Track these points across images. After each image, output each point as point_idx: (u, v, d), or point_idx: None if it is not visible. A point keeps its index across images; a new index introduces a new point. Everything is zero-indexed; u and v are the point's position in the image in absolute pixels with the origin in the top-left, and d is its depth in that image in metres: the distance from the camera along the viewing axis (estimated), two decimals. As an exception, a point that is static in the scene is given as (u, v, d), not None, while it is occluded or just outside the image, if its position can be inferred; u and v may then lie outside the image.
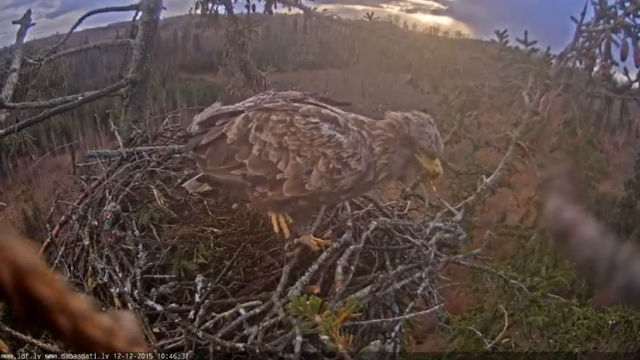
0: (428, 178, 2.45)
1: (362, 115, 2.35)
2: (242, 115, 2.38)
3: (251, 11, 5.67)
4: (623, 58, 4.94)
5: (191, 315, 2.31)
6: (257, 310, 2.25)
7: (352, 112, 2.36)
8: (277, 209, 2.48)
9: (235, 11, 5.56)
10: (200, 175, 2.73)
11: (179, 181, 3.15)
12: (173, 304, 2.41)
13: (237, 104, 3.02)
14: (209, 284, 2.47)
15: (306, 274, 2.39)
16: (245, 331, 2.17)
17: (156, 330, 2.30)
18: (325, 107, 2.30)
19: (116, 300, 2.48)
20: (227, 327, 2.20)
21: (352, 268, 2.47)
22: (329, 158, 2.17)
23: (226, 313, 2.25)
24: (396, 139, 2.20)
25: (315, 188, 2.22)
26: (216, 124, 2.44)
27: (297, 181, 2.22)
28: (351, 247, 2.55)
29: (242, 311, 2.24)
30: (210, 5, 5.48)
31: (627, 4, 4.85)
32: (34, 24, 5.55)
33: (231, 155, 2.33)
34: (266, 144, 2.25)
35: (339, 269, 2.40)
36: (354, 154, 2.18)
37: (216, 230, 2.84)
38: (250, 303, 2.30)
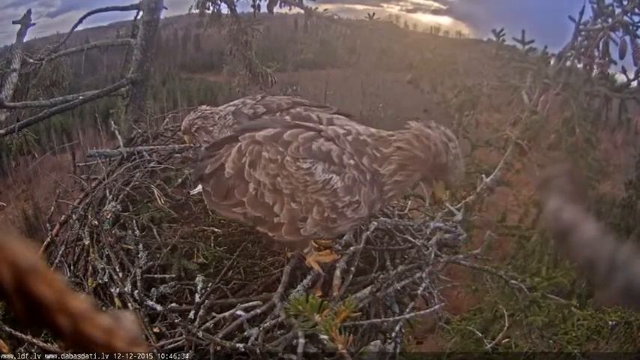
0: (430, 200, 2.39)
1: (362, 121, 2.21)
2: (237, 145, 2.24)
3: (256, 11, 5.67)
4: (622, 56, 4.95)
5: (191, 315, 2.31)
6: (257, 311, 2.24)
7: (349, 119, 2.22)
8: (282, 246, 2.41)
9: (237, 10, 5.57)
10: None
11: (185, 188, 3.16)
12: (173, 304, 2.41)
13: (221, 107, 3.03)
14: (209, 284, 2.47)
15: (308, 277, 2.39)
16: (246, 333, 2.17)
17: (156, 330, 2.30)
18: (317, 135, 2.09)
19: (116, 300, 2.48)
20: (227, 327, 2.20)
21: (352, 269, 2.47)
22: (324, 207, 2.04)
23: (227, 314, 2.25)
24: (427, 161, 2.01)
25: (310, 234, 2.13)
26: (221, 150, 2.33)
27: (293, 226, 2.11)
28: (351, 248, 2.55)
29: (242, 312, 2.24)
30: (210, 5, 5.48)
31: (625, 3, 4.85)
32: (34, 24, 5.55)
33: (231, 190, 2.23)
34: (260, 183, 2.13)
35: (337, 272, 2.38)
36: (350, 203, 2.03)
37: (216, 230, 2.85)
38: (251, 303, 2.29)
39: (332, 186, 2.02)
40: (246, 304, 2.28)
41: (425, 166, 2.03)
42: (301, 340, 1.93)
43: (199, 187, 2.67)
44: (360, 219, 2.12)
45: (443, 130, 2.04)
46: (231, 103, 3.02)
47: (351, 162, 2.04)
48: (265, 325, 2.15)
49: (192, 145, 3.60)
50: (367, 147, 2.06)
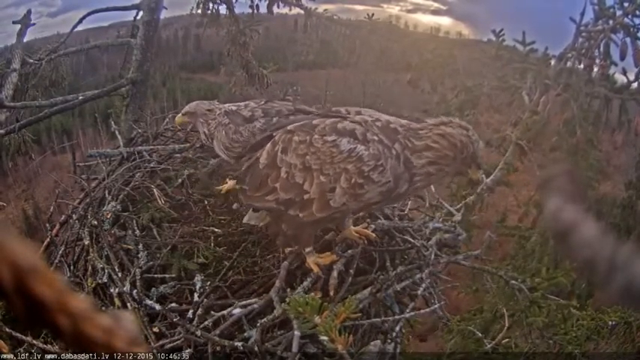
0: (470, 184, 2.45)
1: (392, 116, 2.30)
2: (271, 139, 2.38)
3: (254, 11, 5.67)
4: (622, 58, 4.96)
5: (190, 314, 2.31)
6: (255, 306, 2.25)
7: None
8: (312, 228, 2.46)
9: (236, 11, 5.56)
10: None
11: (185, 188, 3.16)
12: (173, 304, 2.41)
13: (223, 105, 3.07)
14: (208, 283, 2.47)
15: (308, 279, 2.39)
16: (245, 333, 2.17)
17: (155, 330, 2.31)
18: (343, 120, 2.25)
19: (116, 300, 2.48)
20: (225, 324, 2.20)
21: (351, 271, 2.48)
22: (350, 173, 2.13)
23: (225, 312, 2.25)
24: (456, 158, 2.14)
25: (339, 205, 2.18)
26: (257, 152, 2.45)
27: (323, 200, 2.19)
28: (349, 251, 2.56)
29: (240, 309, 2.24)
30: (211, 5, 5.48)
31: (626, 5, 4.86)
32: (34, 24, 5.55)
33: (264, 180, 2.33)
34: (291, 166, 2.24)
35: (334, 273, 2.40)
36: (376, 167, 2.12)
37: (216, 230, 2.85)
38: (249, 301, 2.30)
39: (357, 153, 2.13)
40: (245, 302, 2.29)
41: (455, 161, 2.15)
42: (297, 333, 1.93)
43: (253, 214, 2.70)
44: (386, 185, 2.16)
45: (458, 123, 2.18)
46: (234, 104, 3.03)
47: (375, 138, 2.15)
48: (263, 320, 2.15)
49: (191, 144, 3.61)
50: (398, 135, 2.17)
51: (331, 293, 2.32)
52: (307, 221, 2.28)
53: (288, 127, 2.33)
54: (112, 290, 2.53)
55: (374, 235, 2.67)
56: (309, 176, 2.20)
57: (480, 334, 3.49)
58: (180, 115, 3.11)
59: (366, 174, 2.12)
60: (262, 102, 3.01)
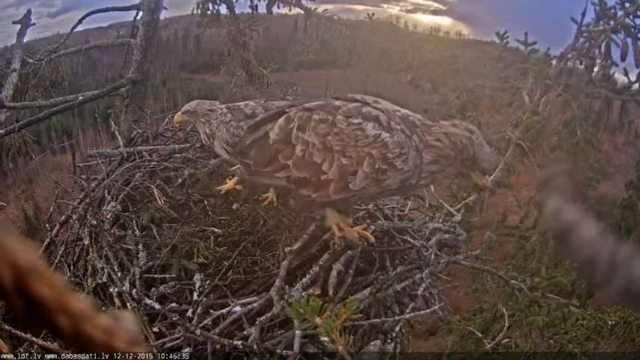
0: (475, 190, 2.46)
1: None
2: (284, 115, 2.34)
3: (254, 11, 5.67)
4: (623, 58, 4.96)
5: (189, 313, 2.31)
6: (255, 305, 2.25)
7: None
8: (321, 208, 2.46)
9: (236, 11, 5.56)
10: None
11: (185, 188, 3.15)
12: (173, 304, 2.41)
13: (223, 105, 3.07)
14: (207, 282, 2.47)
15: (307, 276, 2.39)
16: (245, 332, 2.17)
17: (155, 329, 2.30)
18: (365, 105, 2.24)
19: (116, 299, 2.48)
20: (225, 322, 2.20)
21: (350, 271, 2.47)
22: (375, 158, 2.13)
23: (224, 310, 2.25)
24: (456, 158, 2.15)
25: (359, 188, 2.18)
26: (265, 125, 2.41)
27: (342, 182, 2.18)
28: (349, 252, 2.55)
29: (239, 308, 2.24)
30: (211, 5, 5.48)
31: (627, 5, 4.86)
32: (34, 24, 5.56)
33: (275, 156, 2.29)
34: (309, 144, 2.21)
35: (334, 273, 2.38)
36: (400, 155, 2.13)
37: (216, 230, 2.84)
38: (249, 299, 2.31)
39: (382, 139, 2.13)
40: (244, 300, 2.29)
41: (455, 162, 2.16)
42: (298, 332, 1.93)
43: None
44: (407, 173, 2.17)
45: (465, 126, 2.19)
46: (234, 104, 3.04)
47: (398, 127, 2.17)
48: (262, 318, 2.15)
49: (191, 144, 3.61)
50: (417, 128, 2.19)
51: (330, 292, 2.31)
52: (319, 201, 2.27)
53: (306, 105, 2.29)
54: (111, 290, 2.53)
55: (373, 238, 2.65)
56: (328, 156, 2.18)
57: (479, 334, 3.49)
58: (179, 113, 3.08)
59: (390, 160, 2.13)
60: (262, 101, 3.03)
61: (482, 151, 2.14)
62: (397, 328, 2.48)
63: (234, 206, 3.01)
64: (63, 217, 3.32)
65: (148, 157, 3.47)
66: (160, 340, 2.22)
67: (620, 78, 5.29)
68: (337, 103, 2.27)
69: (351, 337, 1.82)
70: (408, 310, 2.60)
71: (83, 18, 5.40)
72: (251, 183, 2.63)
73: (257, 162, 2.35)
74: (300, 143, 2.23)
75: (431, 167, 2.18)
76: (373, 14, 6.22)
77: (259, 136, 2.37)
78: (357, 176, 2.15)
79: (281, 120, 2.31)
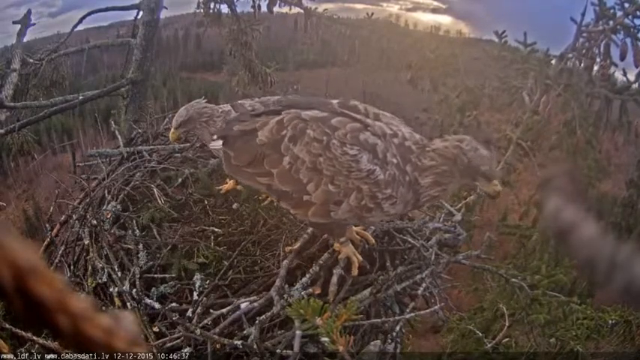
0: (487, 198, 2.40)
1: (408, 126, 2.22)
2: (277, 118, 2.20)
3: (256, 11, 5.68)
4: (623, 58, 4.96)
5: (189, 313, 2.31)
6: (255, 304, 2.25)
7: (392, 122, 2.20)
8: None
9: (238, 10, 5.57)
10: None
11: (186, 188, 3.15)
12: (173, 304, 2.41)
13: (222, 105, 3.01)
14: (207, 282, 2.47)
15: (307, 275, 2.39)
16: (245, 332, 2.17)
17: (155, 329, 2.31)
18: (364, 128, 2.11)
19: (116, 299, 2.48)
20: (225, 322, 2.20)
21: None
22: (363, 194, 2.05)
23: (224, 310, 2.25)
24: (454, 172, 2.05)
25: (339, 218, 2.12)
26: (258, 118, 2.27)
27: (324, 208, 2.10)
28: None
29: (246, 304, 2.24)
30: (212, 5, 5.48)
31: (627, 5, 4.86)
32: (34, 24, 5.56)
33: (260, 159, 2.18)
34: (298, 159, 2.10)
35: (334, 279, 2.35)
36: (390, 197, 2.05)
37: (216, 230, 2.84)
38: (249, 299, 2.30)
39: (376, 176, 2.04)
40: (244, 299, 2.29)
41: (454, 175, 2.07)
42: (298, 332, 1.93)
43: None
44: (393, 216, 2.13)
45: (455, 137, 2.10)
46: (237, 102, 3.03)
47: (394, 160, 2.07)
48: (262, 317, 2.15)
49: (191, 144, 3.60)
50: (412, 155, 2.09)
51: (331, 299, 2.28)
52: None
53: (302, 115, 2.16)
54: (111, 290, 2.53)
55: (373, 240, 2.64)
56: (316, 178, 2.08)
57: (480, 334, 3.49)
58: (172, 130, 2.90)
59: (378, 200, 2.05)
60: (257, 98, 3.01)
61: (477, 155, 2.04)
62: (397, 328, 2.48)
63: (235, 206, 3.01)
64: (63, 217, 3.32)
65: (148, 157, 3.47)
66: (160, 340, 2.22)
67: (619, 78, 5.30)
68: (335, 120, 2.12)
69: (352, 337, 1.81)
70: (408, 310, 2.60)
71: (83, 18, 5.41)
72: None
73: (239, 157, 2.24)
74: (290, 156, 2.12)
75: (430, 192, 2.10)
76: (373, 13, 6.23)
77: (248, 129, 2.24)
78: (341, 207, 2.08)
79: (272, 123, 2.18)
